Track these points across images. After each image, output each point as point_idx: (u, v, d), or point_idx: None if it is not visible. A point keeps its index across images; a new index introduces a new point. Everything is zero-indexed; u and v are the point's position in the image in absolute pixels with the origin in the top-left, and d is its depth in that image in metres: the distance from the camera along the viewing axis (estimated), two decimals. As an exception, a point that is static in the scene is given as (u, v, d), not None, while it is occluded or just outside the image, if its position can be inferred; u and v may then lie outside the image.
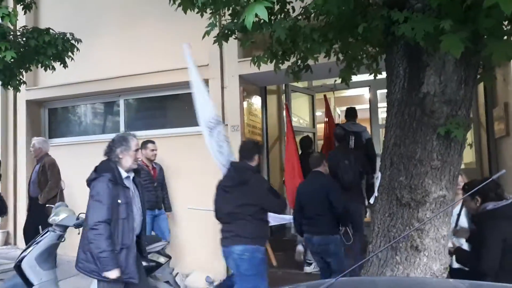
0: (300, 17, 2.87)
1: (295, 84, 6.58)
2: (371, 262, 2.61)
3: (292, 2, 3.05)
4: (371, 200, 2.72)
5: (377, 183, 2.62)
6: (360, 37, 2.50)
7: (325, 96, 7.02)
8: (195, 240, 5.43)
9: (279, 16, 3.06)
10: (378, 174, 2.61)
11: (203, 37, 3.14)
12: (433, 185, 2.30)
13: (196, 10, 2.98)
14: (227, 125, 5.51)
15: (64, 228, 3.73)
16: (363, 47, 2.65)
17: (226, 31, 3.02)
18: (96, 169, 3.00)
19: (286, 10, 3.08)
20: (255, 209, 3.30)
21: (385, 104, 7.19)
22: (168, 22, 5.91)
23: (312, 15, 2.71)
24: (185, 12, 2.79)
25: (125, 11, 6.20)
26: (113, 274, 2.69)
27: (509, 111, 4.46)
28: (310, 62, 3.04)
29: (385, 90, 6.67)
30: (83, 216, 3.72)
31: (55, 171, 4.99)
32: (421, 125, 2.26)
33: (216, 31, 3.13)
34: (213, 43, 3.24)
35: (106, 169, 2.92)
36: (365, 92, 9.16)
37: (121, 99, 6.35)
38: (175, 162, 5.87)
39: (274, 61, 3.15)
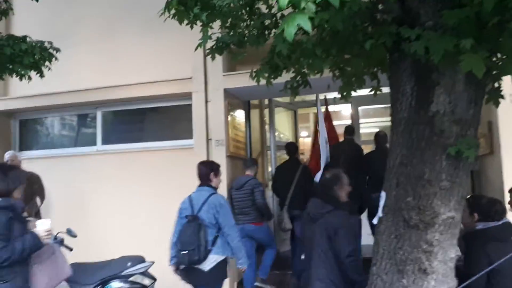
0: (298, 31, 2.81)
1: (278, 99, 6.53)
2: (374, 285, 2.52)
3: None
4: (375, 221, 2.63)
5: (381, 203, 2.54)
6: (364, 54, 2.45)
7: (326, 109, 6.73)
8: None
9: (272, 31, 3.00)
10: (382, 194, 2.53)
11: (196, 49, 3.02)
12: (442, 206, 2.24)
13: (186, 22, 2.86)
14: (210, 139, 5.38)
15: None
16: (365, 63, 2.59)
17: (221, 44, 2.90)
18: None
19: (280, 25, 3.02)
20: None
21: (366, 120, 7.31)
22: (149, 33, 5.77)
23: (315, 29, 2.64)
24: (180, 23, 2.66)
25: (104, 21, 6.00)
26: None
27: (493, 129, 4.55)
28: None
29: (367, 107, 6.76)
30: (61, 236, 3.48)
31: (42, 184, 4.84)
32: (430, 144, 2.20)
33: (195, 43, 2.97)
34: (206, 56, 3.13)
35: None
36: (344, 108, 9.26)
37: (98, 111, 6.11)
38: (154, 176, 5.66)
39: (267, 75, 3.04)
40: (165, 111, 5.92)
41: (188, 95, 5.57)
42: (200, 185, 3.66)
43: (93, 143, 6.06)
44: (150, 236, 5.31)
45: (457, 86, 2.09)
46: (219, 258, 3.39)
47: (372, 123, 9.18)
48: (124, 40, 5.87)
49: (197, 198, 3.58)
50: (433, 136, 2.19)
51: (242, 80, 5.30)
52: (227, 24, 2.77)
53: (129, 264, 3.61)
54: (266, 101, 6.77)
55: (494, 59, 1.95)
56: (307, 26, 1.31)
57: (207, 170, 3.67)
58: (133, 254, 3.81)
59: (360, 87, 2.75)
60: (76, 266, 3.26)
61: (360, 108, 6.79)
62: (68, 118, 6.44)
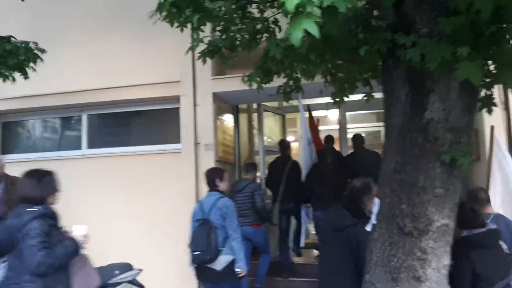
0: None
1: (266, 103, 6.51)
2: (368, 293, 2.50)
3: (278, 21, 2.97)
4: (368, 227, 2.61)
5: (374, 210, 2.53)
6: (357, 59, 2.44)
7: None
8: (166, 267, 5.13)
9: (263, 35, 2.97)
10: (376, 201, 2.52)
11: (186, 52, 2.98)
12: (436, 213, 2.23)
13: (176, 24, 2.80)
14: (199, 143, 5.32)
15: None
16: (357, 69, 2.58)
17: (212, 48, 2.85)
18: None
19: (271, 29, 2.99)
20: None
21: (353, 125, 7.35)
22: (137, 36, 5.69)
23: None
24: (172, 25, 2.61)
25: (91, 22, 5.89)
26: None
27: (479, 136, 4.61)
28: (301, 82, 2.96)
29: (355, 112, 6.80)
30: None
31: None
32: (423, 151, 2.20)
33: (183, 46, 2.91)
34: (197, 59, 3.07)
35: None
36: (329, 113, 9.31)
37: (83, 114, 5.99)
38: (141, 181, 5.57)
39: (259, 80, 3.01)
40: (153, 115, 5.84)
41: (176, 99, 5.50)
42: (209, 191, 3.93)
43: (78, 146, 5.94)
44: (138, 242, 5.22)
45: (451, 93, 2.09)
46: (230, 258, 3.61)
47: (360, 128, 9.26)
48: (111, 42, 5.77)
49: (207, 202, 3.84)
50: (427, 143, 2.18)
51: (231, 84, 5.27)
52: (219, 28, 2.71)
53: (116, 272, 3.52)
54: (255, 106, 6.74)
55: (487, 67, 1.95)
56: (314, 31, 1.28)
57: (212, 176, 3.93)
58: (121, 262, 3.72)
59: (352, 93, 2.74)
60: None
61: (347, 113, 6.81)
62: (53, 121, 6.30)
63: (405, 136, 2.28)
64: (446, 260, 2.38)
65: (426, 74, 2.09)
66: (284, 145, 5.86)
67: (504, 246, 3.00)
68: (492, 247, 2.97)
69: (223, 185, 3.92)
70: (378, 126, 9.11)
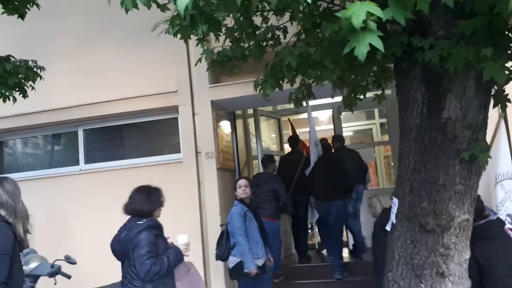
0: (298, 42, 2.82)
1: (262, 108, 6.54)
2: (392, 291, 2.54)
3: (281, 29, 3.01)
4: (388, 227, 2.65)
5: (393, 209, 2.57)
6: (370, 63, 2.49)
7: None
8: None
9: (269, 42, 3.00)
10: (395, 200, 2.56)
11: (196, 64, 2.97)
12: (457, 209, 2.29)
13: (179, 36, 2.80)
14: (200, 152, 5.30)
15: (36, 278, 3.29)
16: (369, 72, 2.63)
17: (222, 58, 2.87)
18: None
19: (276, 36, 3.03)
20: None
21: (348, 125, 7.42)
22: (130, 47, 5.65)
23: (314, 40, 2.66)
24: (186, 42, 2.62)
25: (82, 35, 5.81)
26: None
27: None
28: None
29: (348, 113, 6.84)
30: (58, 263, 3.33)
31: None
32: (443, 150, 2.25)
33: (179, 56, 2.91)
34: (207, 70, 3.08)
35: None
36: (321, 114, 9.40)
37: (79, 129, 5.90)
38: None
39: (260, 87, 3.00)
40: (151, 126, 5.79)
41: (174, 109, 5.48)
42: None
43: (76, 162, 5.84)
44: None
45: (467, 92, 2.15)
46: (236, 260, 4.00)
47: (352, 127, 9.37)
48: (104, 55, 5.69)
49: None
50: (446, 141, 2.24)
51: (228, 91, 5.28)
52: (231, 39, 2.73)
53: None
54: (250, 111, 6.76)
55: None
56: (380, 45, 1.31)
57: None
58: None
59: (365, 96, 2.79)
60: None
61: (342, 113, 6.88)
62: (48, 138, 6.19)
63: (423, 136, 2.33)
64: (467, 254, 2.44)
65: (442, 75, 2.15)
66: (293, 142, 6.30)
67: None
68: (495, 238, 3.03)
69: (240, 192, 4.19)
70: (369, 124, 9.26)
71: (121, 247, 2.93)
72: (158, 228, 2.98)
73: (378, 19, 2.28)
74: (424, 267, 2.41)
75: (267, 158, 5.48)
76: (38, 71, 3.92)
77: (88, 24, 5.82)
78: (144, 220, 2.88)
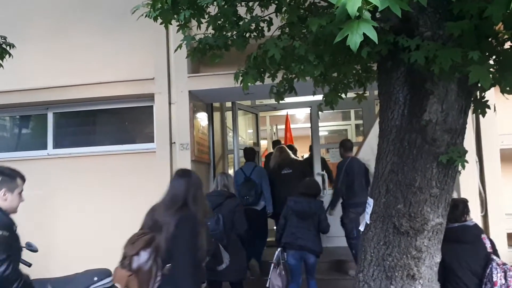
0: (282, 35, 2.76)
1: (241, 102, 6.46)
2: (362, 292, 2.53)
3: (266, 20, 2.94)
4: (361, 227, 2.64)
5: (368, 210, 2.56)
6: (353, 61, 2.46)
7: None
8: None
9: (252, 34, 2.93)
10: (370, 201, 2.54)
11: (175, 50, 2.87)
12: (432, 212, 2.29)
13: (160, 21, 2.69)
14: (174, 143, 5.18)
15: None
16: (352, 70, 2.60)
17: (203, 46, 2.77)
18: None
19: (260, 28, 2.95)
20: None
21: (326, 124, 7.44)
22: (107, 31, 5.47)
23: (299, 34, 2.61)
24: (166, 27, 2.50)
25: (57, 17, 5.58)
26: None
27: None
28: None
29: (325, 112, 6.92)
30: None
31: None
32: (421, 152, 2.24)
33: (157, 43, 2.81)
34: (186, 57, 2.97)
35: None
36: (297, 112, 9.41)
37: (49, 112, 5.66)
38: (113, 183, 5.36)
39: (240, 79, 2.93)
40: (125, 113, 5.62)
41: (149, 97, 5.33)
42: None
43: (44, 146, 5.61)
44: (109, 246, 5.00)
45: (449, 95, 2.14)
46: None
47: (328, 126, 9.43)
48: (80, 38, 5.48)
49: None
50: (425, 144, 2.23)
51: (207, 82, 5.18)
52: (214, 26, 2.64)
53: (95, 278, 3.36)
54: (228, 104, 6.67)
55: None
56: (373, 36, 1.25)
57: None
58: (98, 268, 3.55)
59: (346, 94, 2.76)
60: (36, 283, 2.96)
61: (320, 112, 6.87)
62: (16, 120, 5.92)
63: (403, 137, 2.32)
64: (438, 258, 2.45)
65: (425, 77, 2.14)
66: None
67: (488, 245, 3.10)
68: (467, 243, 3.09)
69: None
70: (344, 125, 9.34)
71: None
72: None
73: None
74: (395, 269, 2.40)
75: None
76: (8, 48, 3.70)
77: (65, 5, 5.59)
78: None
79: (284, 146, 6.35)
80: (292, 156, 6.08)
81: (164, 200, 2.75)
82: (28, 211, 5.41)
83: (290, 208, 4.26)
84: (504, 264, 3.01)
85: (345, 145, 5.37)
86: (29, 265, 3.19)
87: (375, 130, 4.90)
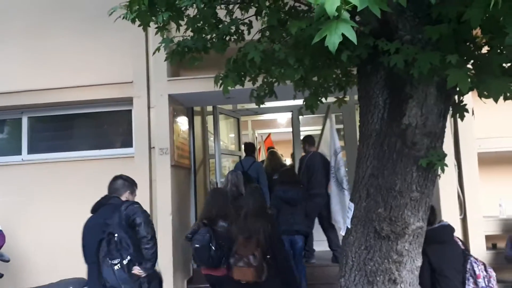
0: (262, 39, 2.74)
1: (222, 106, 6.41)
2: (344, 298, 2.50)
3: (246, 24, 2.91)
4: (342, 232, 2.62)
5: (349, 214, 2.54)
6: (333, 65, 2.45)
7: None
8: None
9: (232, 37, 2.90)
10: (351, 205, 2.53)
11: (154, 53, 2.81)
12: (412, 216, 2.28)
13: (138, 23, 2.64)
14: (153, 148, 5.09)
15: None
16: (333, 74, 2.59)
17: (182, 49, 2.72)
18: None
19: (240, 31, 2.93)
20: None
21: (307, 128, 7.45)
22: (85, 34, 5.35)
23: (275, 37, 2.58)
24: (145, 29, 2.44)
25: (33, 18, 5.44)
26: None
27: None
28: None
29: (305, 117, 6.90)
30: None
31: None
32: (401, 156, 2.24)
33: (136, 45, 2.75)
34: (165, 60, 2.91)
35: None
36: (279, 116, 9.41)
37: (24, 116, 5.50)
38: (89, 189, 5.21)
39: (220, 82, 2.89)
40: (102, 117, 5.50)
41: (128, 100, 5.24)
42: None
43: (18, 152, 5.44)
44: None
45: (428, 99, 2.14)
46: None
47: (309, 131, 9.45)
48: (56, 40, 5.34)
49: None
50: (405, 148, 2.22)
51: (187, 85, 5.12)
52: (193, 29, 2.59)
53: (70, 288, 3.26)
54: (209, 108, 6.61)
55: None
56: (352, 36, 1.23)
57: None
58: (73, 277, 3.44)
59: (326, 98, 2.75)
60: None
61: (301, 117, 6.89)
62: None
63: (382, 141, 2.31)
64: (419, 262, 2.45)
65: (404, 81, 2.14)
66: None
67: (459, 242, 3.21)
68: (446, 242, 3.19)
69: None
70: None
71: None
72: None
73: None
74: (377, 274, 2.38)
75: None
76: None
77: (41, 6, 5.45)
78: None
79: (275, 150, 6.66)
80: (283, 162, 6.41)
81: (254, 210, 3.59)
82: (1, 219, 5.26)
83: (280, 197, 4.70)
84: (477, 259, 3.18)
85: (308, 141, 5.75)
86: (1, 275, 3.08)
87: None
